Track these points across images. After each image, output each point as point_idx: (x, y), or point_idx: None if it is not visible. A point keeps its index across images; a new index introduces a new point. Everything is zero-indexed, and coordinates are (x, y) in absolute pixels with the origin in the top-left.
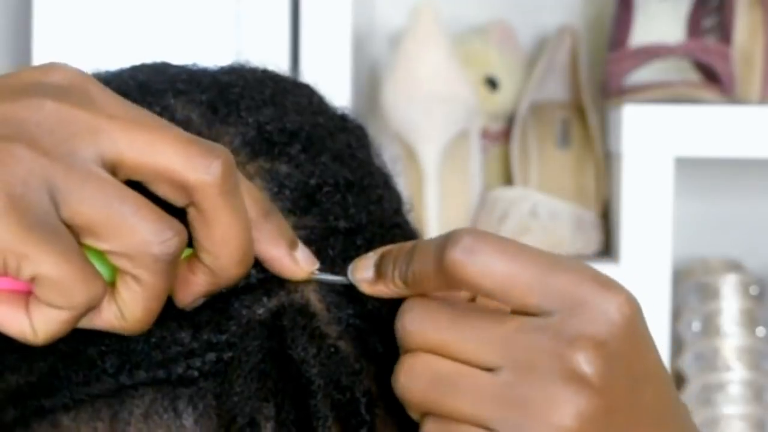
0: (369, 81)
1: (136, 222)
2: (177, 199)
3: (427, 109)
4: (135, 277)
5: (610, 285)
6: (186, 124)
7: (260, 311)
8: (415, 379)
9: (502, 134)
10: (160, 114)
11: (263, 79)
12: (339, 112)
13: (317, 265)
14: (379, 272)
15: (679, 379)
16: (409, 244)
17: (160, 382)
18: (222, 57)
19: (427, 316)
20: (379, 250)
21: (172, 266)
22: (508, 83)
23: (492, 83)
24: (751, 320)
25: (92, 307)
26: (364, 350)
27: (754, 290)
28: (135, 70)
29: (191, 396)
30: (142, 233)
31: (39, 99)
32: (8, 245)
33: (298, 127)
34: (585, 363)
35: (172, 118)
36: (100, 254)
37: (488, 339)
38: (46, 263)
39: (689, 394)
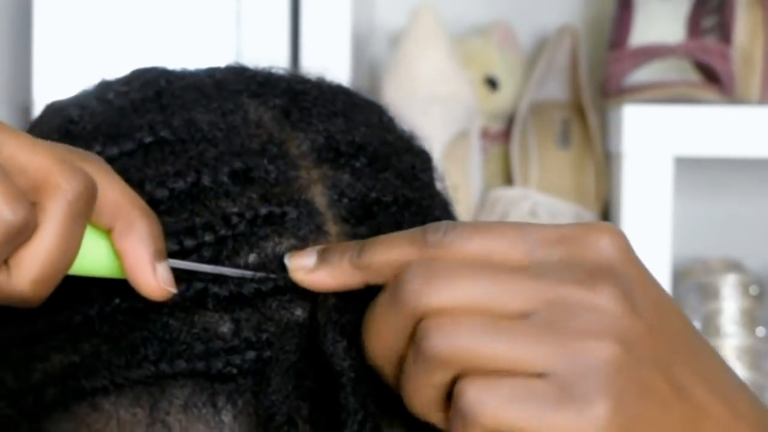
0: (369, 81)
1: (54, 158)
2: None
3: (427, 109)
4: (39, 227)
5: (592, 223)
6: (257, 124)
7: (298, 312)
8: (448, 335)
9: (502, 134)
10: (233, 111)
11: (337, 91)
12: (407, 133)
13: (175, 291)
14: (323, 259)
15: None
16: (356, 242)
17: (199, 375)
18: (222, 57)
19: (443, 274)
20: (319, 247)
21: (81, 222)
22: (508, 83)
23: (492, 83)
24: (751, 320)
25: (16, 232)
26: None
27: (754, 290)
28: (212, 69)
29: (230, 393)
30: (59, 171)
31: None
32: None
33: (366, 141)
34: (608, 290)
35: (245, 117)
36: (103, 237)
37: (513, 287)
38: None
39: None
